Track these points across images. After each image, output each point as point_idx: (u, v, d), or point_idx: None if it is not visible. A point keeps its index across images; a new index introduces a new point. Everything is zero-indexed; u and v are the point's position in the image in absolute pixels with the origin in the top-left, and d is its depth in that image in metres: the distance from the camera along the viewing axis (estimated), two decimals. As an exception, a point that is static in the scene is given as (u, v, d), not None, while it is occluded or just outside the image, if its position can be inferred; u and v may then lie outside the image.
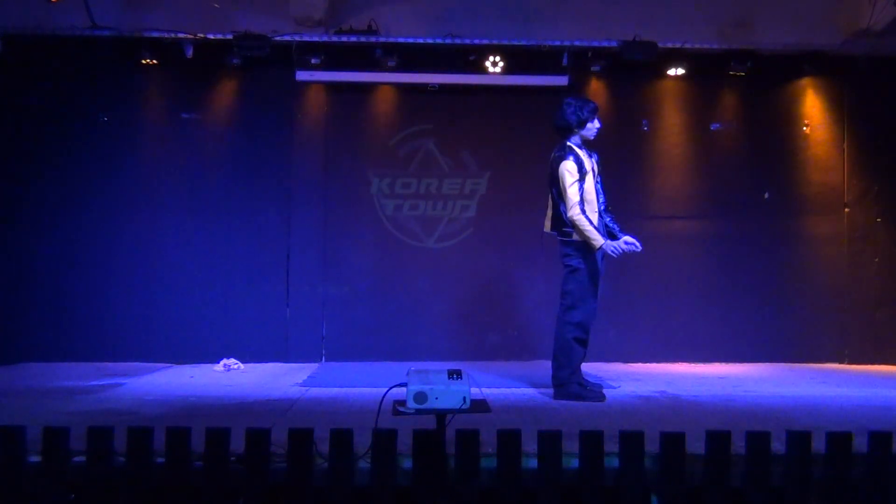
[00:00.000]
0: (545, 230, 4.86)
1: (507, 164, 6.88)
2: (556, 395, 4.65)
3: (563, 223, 4.63)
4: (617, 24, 6.51)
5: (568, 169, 4.56)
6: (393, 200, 6.85)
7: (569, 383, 4.61)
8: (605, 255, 4.61)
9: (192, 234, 6.67)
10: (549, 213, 4.80)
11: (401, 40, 6.52)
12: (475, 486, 2.74)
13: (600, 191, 4.74)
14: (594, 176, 4.70)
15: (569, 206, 4.55)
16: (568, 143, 4.69)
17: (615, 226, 4.80)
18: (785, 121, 7.01)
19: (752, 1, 6.65)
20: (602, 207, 4.75)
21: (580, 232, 4.54)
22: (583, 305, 4.63)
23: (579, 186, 4.57)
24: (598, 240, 4.52)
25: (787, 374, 6.05)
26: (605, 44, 6.55)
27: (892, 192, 6.93)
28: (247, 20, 6.42)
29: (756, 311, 6.81)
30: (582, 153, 4.67)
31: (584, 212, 4.54)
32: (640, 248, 4.68)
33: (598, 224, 4.63)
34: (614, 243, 4.57)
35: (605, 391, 4.75)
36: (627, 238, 4.68)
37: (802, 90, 7.02)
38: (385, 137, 6.88)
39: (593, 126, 4.71)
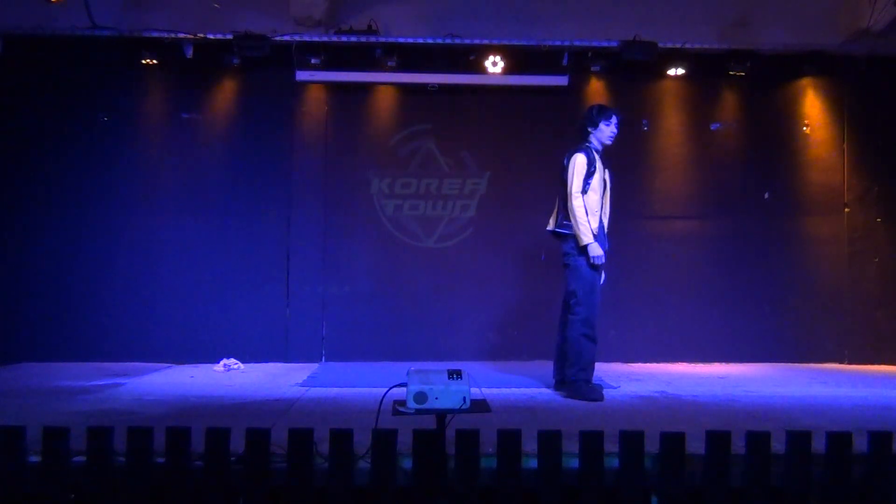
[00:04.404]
0: (548, 228, 4.92)
1: (507, 164, 6.88)
2: (565, 395, 4.66)
3: (562, 217, 4.73)
4: (617, 24, 6.51)
5: (577, 160, 4.67)
6: (393, 200, 6.85)
7: (576, 381, 4.61)
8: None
9: (192, 234, 6.67)
10: (555, 210, 4.89)
11: (401, 40, 6.52)
12: (475, 486, 2.74)
13: (606, 203, 4.83)
14: (603, 182, 4.77)
15: (570, 195, 4.62)
16: (585, 143, 4.78)
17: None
18: (785, 121, 7.01)
19: (752, 1, 6.65)
20: (607, 220, 4.84)
21: (574, 224, 4.61)
22: (587, 301, 4.66)
23: (585, 181, 4.63)
24: (587, 236, 4.59)
25: (787, 374, 6.05)
26: (605, 44, 6.55)
27: (892, 192, 6.93)
28: (247, 20, 6.42)
29: (756, 311, 6.81)
30: (596, 156, 4.75)
31: (585, 206, 4.61)
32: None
33: (598, 231, 4.68)
34: (599, 252, 4.61)
35: (605, 391, 4.76)
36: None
37: (802, 90, 7.02)
38: (385, 137, 6.88)
39: (607, 129, 4.77)
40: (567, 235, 4.70)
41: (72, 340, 6.45)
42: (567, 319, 4.72)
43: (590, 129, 4.78)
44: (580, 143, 4.79)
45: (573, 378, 4.64)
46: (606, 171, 4.84)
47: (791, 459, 2.79)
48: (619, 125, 4.83)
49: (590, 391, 4.61)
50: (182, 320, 6.57)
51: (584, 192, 4.64)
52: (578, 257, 4.66)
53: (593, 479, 2.74)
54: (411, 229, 6.85)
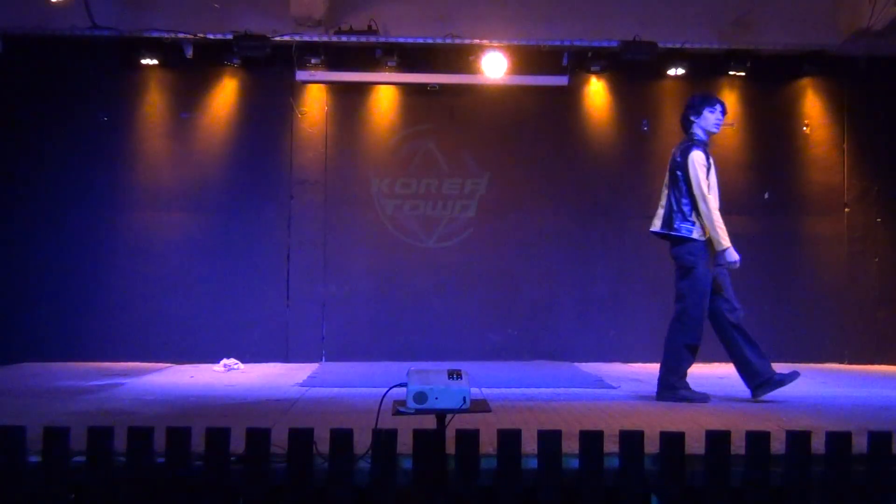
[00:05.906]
0: (652, 229, 4.67)
1: (507, 164, 6.88)
2: (663, 398, 4.51)
3: (677, 220, 4.46)
4: (617, 24, 6.52)
5: (696, 160, 4.39)
6: (393, 200, 6.85)
7: (678, 388, 4.47)
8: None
9: (192, 233, 6.68)
10: (661, 211, 4.61)
11: (401, 40, 6.53)
12: (475, 486, 2.74)
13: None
14: (715, 174, 4.56)
15: (700, 199, 4.37)
16: (694, 137, 4.53)
17: None
18: (785, 121, 7.01)
19: (752, 1, 6.65)
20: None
21: (711, 227, 4.38)
22: (697, 311, 4.47)
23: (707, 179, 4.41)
24: (725, 241, 4.38)
25: (787, 374, 6.03)
26: (605, 44, 6.56)
27: (892, 192, 6.93)
28: (247, 20, 6.42)
29: (756, 311, 6.77)
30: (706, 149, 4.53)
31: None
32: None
33: None
34: (736, 257, 4.41)
35: (604, 391, 4.76)
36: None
37: (802, 90, 7.02)
38: (385, 137, 6.89)
39: (712, 116, 4.51)
40: (683, 239, 4.45)
41: (72, 340, 6.45)
42: (673, 326, 4.53)
43: (693, 119, 4.52)
44: (688, 137, 4.55)
45: (675, 385, 4.46)
46: (711, 158, 4.57)
47: (791, 459, 2.79)
48: (724, 112, 4.57)
49: (695, 395, 4.45)
50: (182, 320, 6.57)
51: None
52: (693, 260, 4.43)
53: (593, 479, 2.74)
54: (411, 229, 6.85)
